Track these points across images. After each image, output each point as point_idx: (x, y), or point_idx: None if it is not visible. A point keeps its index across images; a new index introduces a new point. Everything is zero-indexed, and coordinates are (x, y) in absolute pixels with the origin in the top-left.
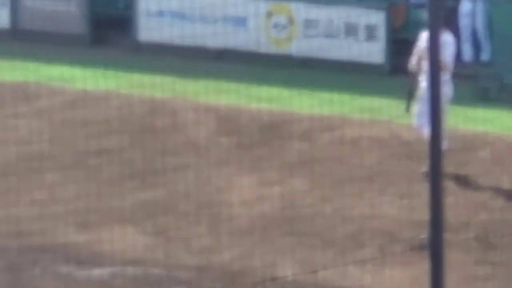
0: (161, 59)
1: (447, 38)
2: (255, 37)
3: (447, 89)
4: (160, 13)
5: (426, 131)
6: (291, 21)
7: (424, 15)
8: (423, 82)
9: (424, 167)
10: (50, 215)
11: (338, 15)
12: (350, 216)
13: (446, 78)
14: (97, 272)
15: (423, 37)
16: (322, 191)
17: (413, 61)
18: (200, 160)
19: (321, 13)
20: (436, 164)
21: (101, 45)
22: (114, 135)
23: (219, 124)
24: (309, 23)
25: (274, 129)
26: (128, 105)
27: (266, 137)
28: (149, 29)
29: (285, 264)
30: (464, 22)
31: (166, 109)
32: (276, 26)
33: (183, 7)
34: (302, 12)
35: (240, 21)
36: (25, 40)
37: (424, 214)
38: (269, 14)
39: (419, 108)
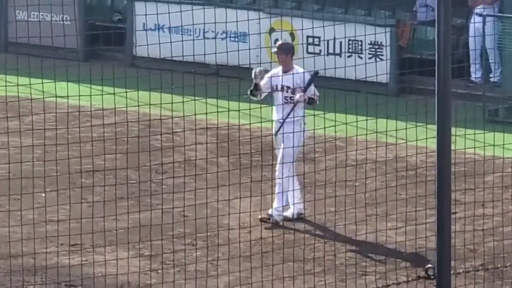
0: (157, 74)
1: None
2: (256, 53)
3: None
4: (157, 27)
5: None
6: (293, 37)
7: (430, 33)
8: None
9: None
10: (40, 236)
11: (342, 32)
12: (352, 242)
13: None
14: None
15: None
16: (324, 215)
17: None
18: (198, 181)
19: (325, 30)
20: (444, 189)
21: (96, 59)
22: (108, 154)
23: (218, 143)
24: (311, 40)
25: (273, 150)
26: (123, 122)
27: (266, 157)
28: (145, 44)
29: None
30: (472, 42)
31: (163, 126)
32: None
33: (181, 21)
34: (303, 29)
35: (241, 37)
36: (16, 53)
37: (430, 240)
38: (270, 30)
39: None
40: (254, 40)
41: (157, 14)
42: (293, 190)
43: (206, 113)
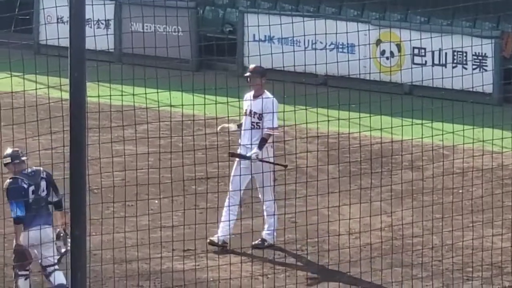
0: (269, 84)
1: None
2: (363, 64)
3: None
4: (267, 39)
5: None
6: (399, 48)
7: None
8: None
9: None
10: (154, 241)
11: (447, 43)
12: (457, 248)
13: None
14: None
15: None
16: (430, 222)
17: None
18: (308, 188)
19: (430, 41)
20: None
21: (207, 69)
22: (220, 161)
23: (327, 152)
24: (417, 51)
25: (382, 158)
26: (236, 131)
27: (374, 165)
28: (255, 54)
29: None
30: None
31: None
32: (384, 53)
33: (292, 32)
34: (410, 40)
35: (349, 48)
36: (131, 64)
37: None
38: (377, 42)
39: None
40: (362, 51)
41: (269, 25)
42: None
43: (317, 122)
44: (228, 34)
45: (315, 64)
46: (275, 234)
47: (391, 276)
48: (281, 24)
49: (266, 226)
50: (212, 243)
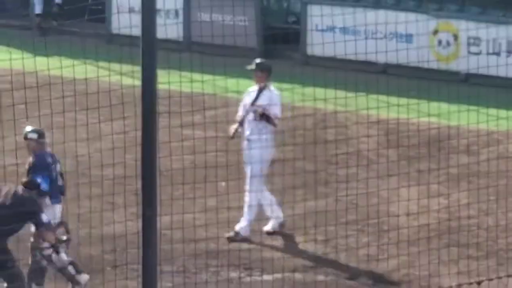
0: (329, 72)
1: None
2: (421, 53)
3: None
4: (329, 28)
5: None
6: (455, 38)
7: None
8: None
9: None
10: (222, 221)
11: (501, 33)
12: (510, 228)
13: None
14: (267, 278)
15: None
16: (485, 204)
17: None
18: (368, 172)
19: (485, 32)
20: None
21: (272, 58)
22: (286, 146)
23: (387, 137)
24: (472, 41)
25: (439, 143)
26: (300, 116)
27: (432, 150)
28: (318, 43)
29: (448, 274)
30: None
31: (336, 121)
32: (441, 43)
33: (351, 23)
34: (466, 30)
35: (407, 38)
36: (198, 52)
37: None
38: (435, 32)
39: None
40: (420, 40)
41: (331, 15)
42: (271, 204)
43: (377, 108)
44: (292, 24)
45: (376, 53)
46: (249, 227)
47: (447, 255)
48: (343, 14)
49: (243, 218)
50: (230, 238)
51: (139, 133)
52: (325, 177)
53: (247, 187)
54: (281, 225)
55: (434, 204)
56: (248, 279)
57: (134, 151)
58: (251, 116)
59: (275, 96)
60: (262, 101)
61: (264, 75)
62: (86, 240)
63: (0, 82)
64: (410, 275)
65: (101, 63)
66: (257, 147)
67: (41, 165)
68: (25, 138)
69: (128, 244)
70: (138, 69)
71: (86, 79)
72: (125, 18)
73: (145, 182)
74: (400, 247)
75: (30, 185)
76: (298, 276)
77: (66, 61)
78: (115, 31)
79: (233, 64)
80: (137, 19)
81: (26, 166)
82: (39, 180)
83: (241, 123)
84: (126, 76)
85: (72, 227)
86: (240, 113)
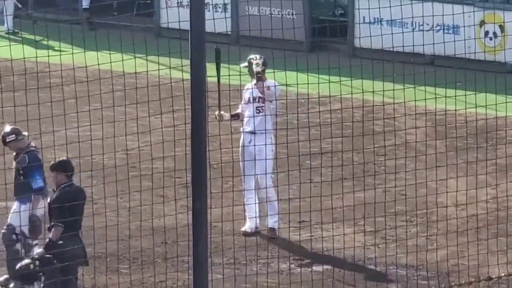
0: (377, 64)
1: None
2: (468, 44)
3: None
4: (377, 21)
5: None
6: (502, 29)
7: None
8: None
9: None
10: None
11: None
12: None
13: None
14: (316, 269)
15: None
16: None
17: None
18: (416, 162)
19: None
20: None
21: (320, 50)
22: (334, 137)
23: (435, 128)
24: None
25: (487, 133)
26: (347, 108)
27: (479, 141)
28: (367, 35)
29: (497, 264)
30: None
31: (383, 112)
32: (488, 34)
33: (398, 15)
34: None
35: (454, 29)
36: (248, 45)
37: None
38: (481, 23)
39: None
40: (467, 31)
41: (379, 8)
42: (267, 202)
43: (425, 99)
44: (340, 16)
45: (423, 45)
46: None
47: (496, 245)
48: (390, 6)
49: (270, 214)
50: (245, 234)
51: (189, 126)
52: (373, 168)
53: (261, 184)
54: (256, 228)
55: (482, 195)
56: (298, 270)
57: (184, 144)
58: (251, 110)
59: (278, 87)
60: (268, 94)
61: (264, 69)
62: (137, 233)
63: (51, 77)
64: (459, 266)
65: (150, 57)
66: (263, 143)
67: (36, 162)
68: (5, 143)
69: (178, 237)
70: (187, 62)
71: (135, 73)
72: (173, 12)
73: (195, 175)
74: (449, 238)
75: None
76: (347, 267)
77: (116, 55)
78: (163, 24)
79: (281, 57)
80: (185, 12)
81: (15, 165)
82: (34, 179)
83: (238, 117)
84: (175, 70)
85: (123, 219)
86: (239, 110)
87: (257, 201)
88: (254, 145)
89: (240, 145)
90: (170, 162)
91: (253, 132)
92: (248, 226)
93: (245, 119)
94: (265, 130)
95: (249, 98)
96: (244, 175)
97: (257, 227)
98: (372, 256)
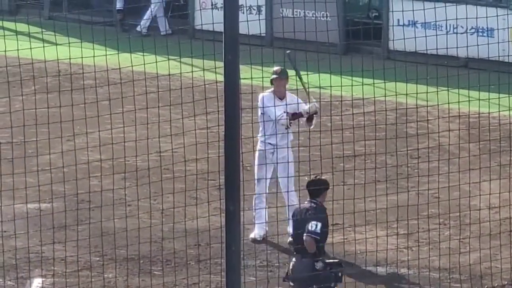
0: (411, 66)
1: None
2: (502, 47)
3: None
4: (411, 23)
5: None
6: None
7: None
8: None
9: None
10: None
11: None
12: None
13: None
14: (348, 272)
15: None
16: None
17: None
18: (449, 165)
19: None
20: None
21: (354, 53)
22: (367, 140)
23: (468, 131)
24: None
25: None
26: (381, 110)
27: None
28: (401, 38)
29: None
30: None
31: (417, 115)
32: None
33: (435, 17)
34: None
35: (488, 32)
36: (283, 48)
37: None
38: None
39: None
40: (501, 34)
41: (413, 10)
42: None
43: (458, 102)
44: (374, 19)
45: (456, 47)
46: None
47: None
48: (424, 9)
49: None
50: (254, 241)
51: (222, 128)
52: (407, 171)
53: (283, 187)
54: (265, 235)
55: None
56: None
57: (217, 146)
58: (279, 125)
59: (295, 97)
60: (294, 108)
61: (287, 81)
62: (170, 235)
63: (84, 78)
64: (492, 268)
65: (184, 59)
66: (286, 149)
67: None
68: None
69: (211, 239)
70: (220, 64)
71: (169, 74)
72: (207, 14)
73: (228, 177)
74: (482, 241)
75: None
76: (380, 269)
77: (149, 57)
78: (197, 26)
79: (314, 59)
80: (219, 15)
81: None
82: None
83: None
84: (208, 72)
85: (156, 221)
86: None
87: (266, 207)
88: (276, 148)
89: (258, 149)
90: (203, 164)
91: (276, 140)
92: (257, 233)
93: (265, 128)
94: (287, 136)
95: (282, 114)
96: (256, 179)
97: (266, 235)
98: (405, 259)
